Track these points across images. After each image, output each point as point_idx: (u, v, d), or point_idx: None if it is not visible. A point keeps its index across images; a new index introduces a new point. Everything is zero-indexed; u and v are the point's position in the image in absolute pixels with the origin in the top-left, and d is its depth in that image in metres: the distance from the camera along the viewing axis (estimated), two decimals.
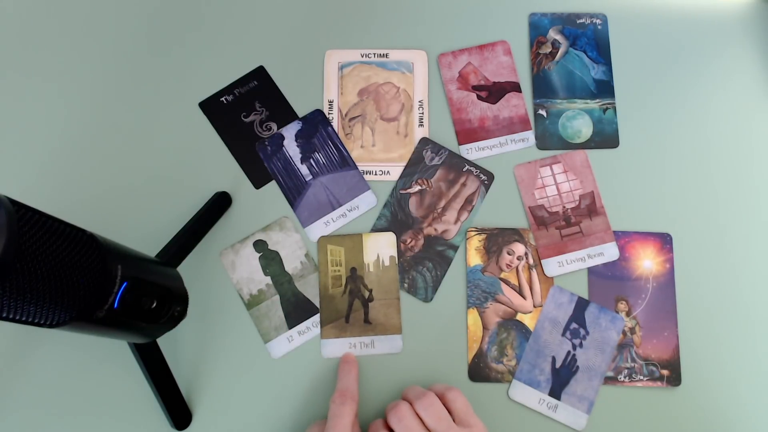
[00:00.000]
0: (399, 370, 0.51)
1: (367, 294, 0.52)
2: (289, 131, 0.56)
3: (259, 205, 0.54)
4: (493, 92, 0.57)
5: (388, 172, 0.55)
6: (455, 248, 0.53)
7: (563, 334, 0.51)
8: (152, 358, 0.46)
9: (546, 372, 0.51)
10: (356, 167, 0.55)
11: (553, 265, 0.53)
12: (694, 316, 0.52)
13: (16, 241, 0.29)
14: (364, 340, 0.51)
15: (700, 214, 0.54)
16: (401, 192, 0.55)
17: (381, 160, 0.55)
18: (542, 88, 0.57)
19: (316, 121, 0.56)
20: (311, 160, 0.55)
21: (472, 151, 0.55)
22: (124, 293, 0.37)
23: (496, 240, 0.53)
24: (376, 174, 0.55)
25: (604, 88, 0.57)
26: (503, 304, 0.52)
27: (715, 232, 0.54)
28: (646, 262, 0.53)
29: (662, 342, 0.51)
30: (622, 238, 0.53)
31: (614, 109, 0.56)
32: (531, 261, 0.53)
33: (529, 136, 0.56)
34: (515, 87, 0.57)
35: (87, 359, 0.51)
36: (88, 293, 0.34)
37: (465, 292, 0.52)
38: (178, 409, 0.48)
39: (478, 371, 0.51)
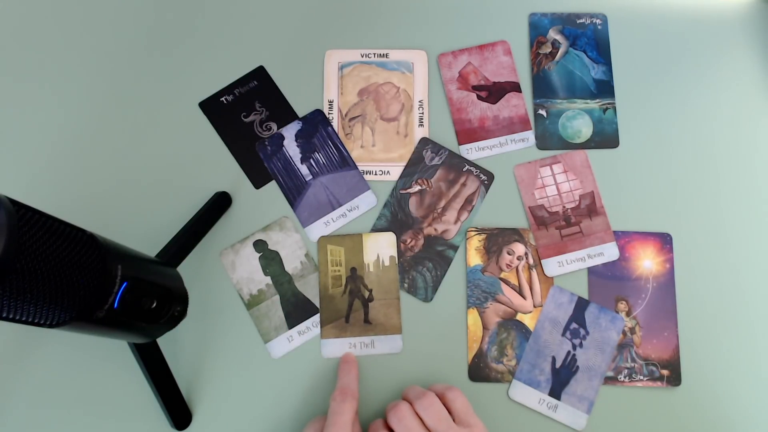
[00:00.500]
0: (399, 370, 0.51)
1: (367, 294, 0.52)
2: (289, 131, 0.56)
3: (259, 205, 0.54)
4: (493, 92, 0.57)
5: (388, 172, 0.55)
6: (455, 248, 0.53)
7: (563, 334, 0.51)
8: (152, 358, 0.46)
9: (546, 372, 0.51)
10: (356, 167, 0.55)
11: (553, 265, 0.53)
12: (694, 316, 0.52)
13: (16, 241, 0.29)
14: (364, 340, 0.51)
15: (700, 214, 0.54)
16: (401, 192, 0.55)
17: (381, 160, 0.55)
18: (542, 88, 0.57)
19: (316, 121, 0.56)
20: (311, 160, 0.55)
21: (472, 151, 0.55)
22: (124, 293, 0.37)
23: (496, 240, 0.53)
24: (376, 174, 0.55)
25: (604, 88, 0.57)
26: (503, 304, 0.52)
27: (715, 232, 0.54)
28: (646, 262, 0.53)
29: (662, 342, 0.51)
30: (622, 238, 0.53)
31: (614, 109, 0.56)
32: (531, 261, 0.53)
33: (529, 136, 0.56)
34: (515, 87, 0.57)
35: (87, 359, 0.51)
36: (88, 293, 0.34)
37: (465, 292, 0.52)
38: (178, 409, 0.48)
39: (478, 371, 0.51)
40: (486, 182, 0.55)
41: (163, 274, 0.43)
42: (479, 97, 0.57)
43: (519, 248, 0.53)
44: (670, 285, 0.53)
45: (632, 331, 0.52)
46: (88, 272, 0.34)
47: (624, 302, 0.52)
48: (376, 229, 0.54)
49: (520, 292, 0.52)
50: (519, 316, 0.52)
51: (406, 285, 0.53)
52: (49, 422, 0.50)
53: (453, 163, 0.55)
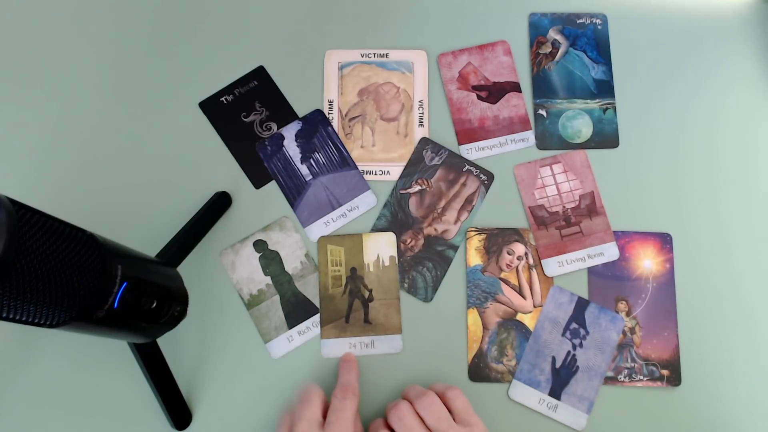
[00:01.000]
0: (399, 370, 0.51)
1: (367, 294, 0.52)
2: (289, 131, 0.56)
3: (259, 205, 0.54)
4: (493, 92, 0.57)
5: (388, 172, 0.55)
6: (455, 248, 0.53)
7: (563, 334, 0.51)
8: (152, 358, 0.46)
9: (546, 372, 0.51)
10: (356, 167, 0.55)
11: (553, 265, 0.53)
12: (694, 316, 0.52)
13: (16, 241, 0.29)
14: (364, 340, 0.51)
15: (700, 214, 0.54)
16: (401, 192, 0.55)
17: (381, 160, 0.55)
18: (542, 88, 0.57)
19: (316, 121, 0.56)
20: (311, 160, 0.55)
21: (472, 151, 0.55)
22: (124, 293, 0.37)
23: (496, 240, 0.53)
24: (376, 174, 0.55)
25: (604, 88, 0.57)
26: (503, 304, 0.52)
27: (715, 232, 0.54)
28: (646, 262, 0.53)
29: (662, 342, 0.51)
30: (622, 238, 0.53)
31: (614, 109, 0.56)
32: (531, 261, 0.53)
33: (529, 136, 0.56)
34: (515, 87, 0.57)
35: (87, 359, 0.51)
36: (88, 293, 0.34)
37: (465, 292, 0.52)
38: (178, 409, 0.48)
39: (478, 371, 0.51)
40: (486, 182, 0.55)
41: (163, 274, 0.43)
42: (479, 97, 0.57)
43: (519, 248, 0.53)
44: (670, 285, 0.53)
45: (632, 331, 0.52)
46: (88, 272, 0.34)
47: (624, 302, 0.52)
48: (376, 229, 0.54)
49: (520, 292, 0.52)
50: (519, 316, 0.52)
51: (406, 285, 0.53)
52: (49, 422, 0.50)
53: (453, 163, 0.55)
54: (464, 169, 0.55)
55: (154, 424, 0.50)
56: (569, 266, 0.53)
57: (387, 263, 0.53)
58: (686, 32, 0.58)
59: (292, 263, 0.53)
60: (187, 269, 0.50)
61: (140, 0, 0.59)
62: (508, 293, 0.52)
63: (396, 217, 0.54)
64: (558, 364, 0.51)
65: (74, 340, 0.51)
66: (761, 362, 0.51)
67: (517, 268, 0.53)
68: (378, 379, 0.51)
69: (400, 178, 0.55)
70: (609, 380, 0.51)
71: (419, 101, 0.57)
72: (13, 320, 0.32)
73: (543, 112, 0.56)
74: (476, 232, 0.53)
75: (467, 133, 0.56)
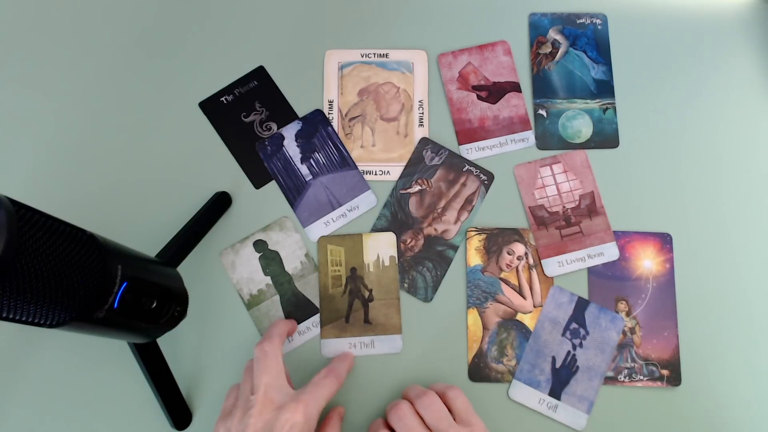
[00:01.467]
0: (399, 370, 0.51)
1: (367, 294, 0.52)
2: (289, 131, 0.56)
3: (259, 205, 0.54)
4: (493, 92, 0.57)
5: (388, 172, 0.55)
6: (455, 248, 0.53)
7: (563, 334, 0.51)
8: (152, 358, 0.46)
9: (546, 372, 0.51)
10: (356, 167, 0.55)
11: (553, 265, 0.53)
12: (694, 316, 0.52)
13: (16, 241, 0.29)
14: (364, 340, 0.51)
15: (700, 214, 0.54)
16: (401, 192, 0.55)
17: (381, 160, 0.55)
18: (542, 88, 0.57)
19: (316, 121, 0.56)
20: (311, 160, 0.55)
21: (472, 151, 0.55)
22: (124, 293, 0.37)
23: (496, 240, 0.53)
24: (376, 174, 0.55)
25: (604, 88, 0.57)
26: (503, 304, 0.52)
27: (715, 232, 0.54)
28: (646, 262, 0.53)
29: (662, 342, 0.51)
30: (622, 238, 0.53)
31: (614, 109, 0.56)
32: (531, 261, 0.53)
33: (529, 136, 0.56)
34: (515, 87, 0.57)
35: (87, 359, 0.51)
36: (88, 293, 0.34)
37: (465, 292, 0.52)
38: (178, 409, 0.48)
39: (478, 371, 0.51)
40: (486, 182, 0.55)
41: (163, 274, 0.43)
42: (479, 97, 0.57)
43: (519, 248, 0.53)
44: (670, 285, 0.53)
45: (632, 331, 0.52)
46: (88, 272, 0.34)
47: (624, 302, 0.52)
48: (376, 229, 0.54)
49: (520, 292, 0.52)
50: (519, 316, 0.52)
51: (406, 285, 0.53)
52: (49, 422, 0.50)
53: (453, 163, 0.55)
54: (464, 169, 0.55)
55: (154, 424, 0.50)
56: (569, 266, 0.53)
57: (387, 263, 0.53)
58: (686, 32, 0.58)
59: (292, 263, 0.53)
60: (187, 269, 0.50)
61: (141, 0, 0.59)
62: (508, 293, 0.52)
63: (396, 217, 0.54)
64: (558, 364, 0.51)
65: (74, 340, 0.51)
66: (761, 362, 0.51)
67: (517, 268, 0.53)
68: (378, 379, 0.51)
69: (400, 178, 0.55)
70: (609, 380, 0.51)
71: (419, 101, 0.57)
72: (13, 320, 0.32)
73: (543, 112, 0.56)
74: (476, 232, 0.53)
75: (467, 133, 0.56)
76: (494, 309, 0.52)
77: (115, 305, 0.36)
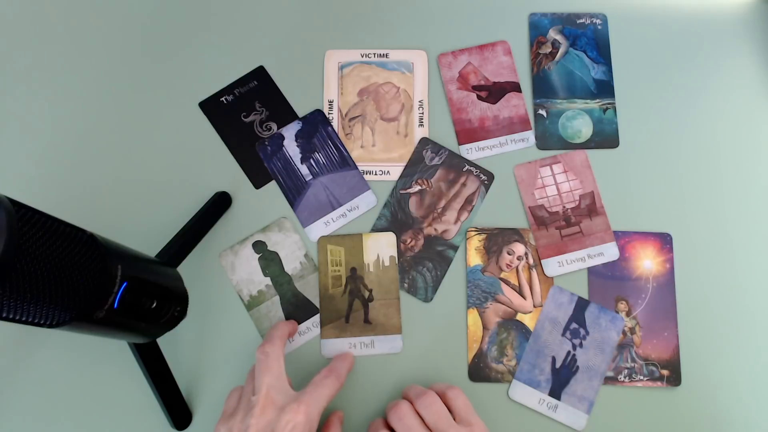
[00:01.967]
0: (399, 370, 0.51)
1: (367, 294, 0.52)
2: (289, 131, 0.56)
3: (259, 205, 0.54)
4: (493, 92, 0.57)
5: (388, 172, 0.55)
6: (455, 248, 0.53)
7: (563, 334, 0.51)
8: (152, 358, 0.46)
9: (546, 372, 0.51)
10: (356, 167, 0.55)
11: (553, 265, 0.53)
12: (694, 316, 0.52)
13: (16, 241, 0.29)
14: (364, 340, 0.51)
15: (700, 214, 0.54)
16: (401, 192, 0.55)
17: (381, 160, 0.55)
18: (542, 88, 0.57)
19: (316, 121, 0.56)
20: (311, 160, 0.55)
21: (472, 151, 0.55)
22: (124, 293, 0.37)
23: (496, 240, 0.53)
24: (376, 174, 0.55)
25: (604, 88, 0.57)
26: (503, 304, 0.52)
27: (715, 232, 0.54)
28: (646, 262, 0.53)
29: (662, 342, 0.51)
30: (622, 238, 0.53)
31: (614, 109, 0.56)
32: (531, 261, 0.53)
33: (529, 136, 0.56)
34: (515, 87, 0.57)
35: (87, 359, 0.51)
36: (88, 293, 0.34)
37: (465, 292, 0.52)
38: (178, 409, 0.48)
39: (478, 371, 0.51)
40: (486, 182, 0.55)
41: (163, 274, 0.43)
42: (479, 97, 0.57)
43: (519, 248, 0.53)
44: (670, 285, 0.53)
45: (632, 331, 0.52)
46: (88, 272, 0.34)
47: (624, 302, 0.52)
48: (376, 229, 0.54)
49: (520, 292, 0.52)
50: (519, 316, 0.52)
51: (406, 285, 0.53)
52: (49, 422, 0.50)
53: (453, 163, 0.55)
54: (464, 169, 0.55)
55: (154, 424, 0.50)
56: (569, 266, 0.53)
57: (387, 263, 0.53)
58: (686, 32, 0.58)
59: (291, 264, 0.53)
60: (187, 269, 0.50)
61: (140, 0, 0.59)
62: (508, 293, 0.52)
63: (396, 217, 0.54)
64: (558, 364, 0.51)
65: (74, 340, 0.51)
66: (761, 362, 0.51)
67: (517, 268, 0.53)
68: (378, 379, 0.51)
69: (400, 178, 0.55)
70: (609, 380, 0.51)
71: (419, 101, 0.57)
72: (13, 320, 0.32)
73: (543, 112, 0.56)
74: (476, 232, 0.53)
75: (467, 133, 0.56)
76: (494, 309, 0.52)
77: (115, 305, 0.36)
